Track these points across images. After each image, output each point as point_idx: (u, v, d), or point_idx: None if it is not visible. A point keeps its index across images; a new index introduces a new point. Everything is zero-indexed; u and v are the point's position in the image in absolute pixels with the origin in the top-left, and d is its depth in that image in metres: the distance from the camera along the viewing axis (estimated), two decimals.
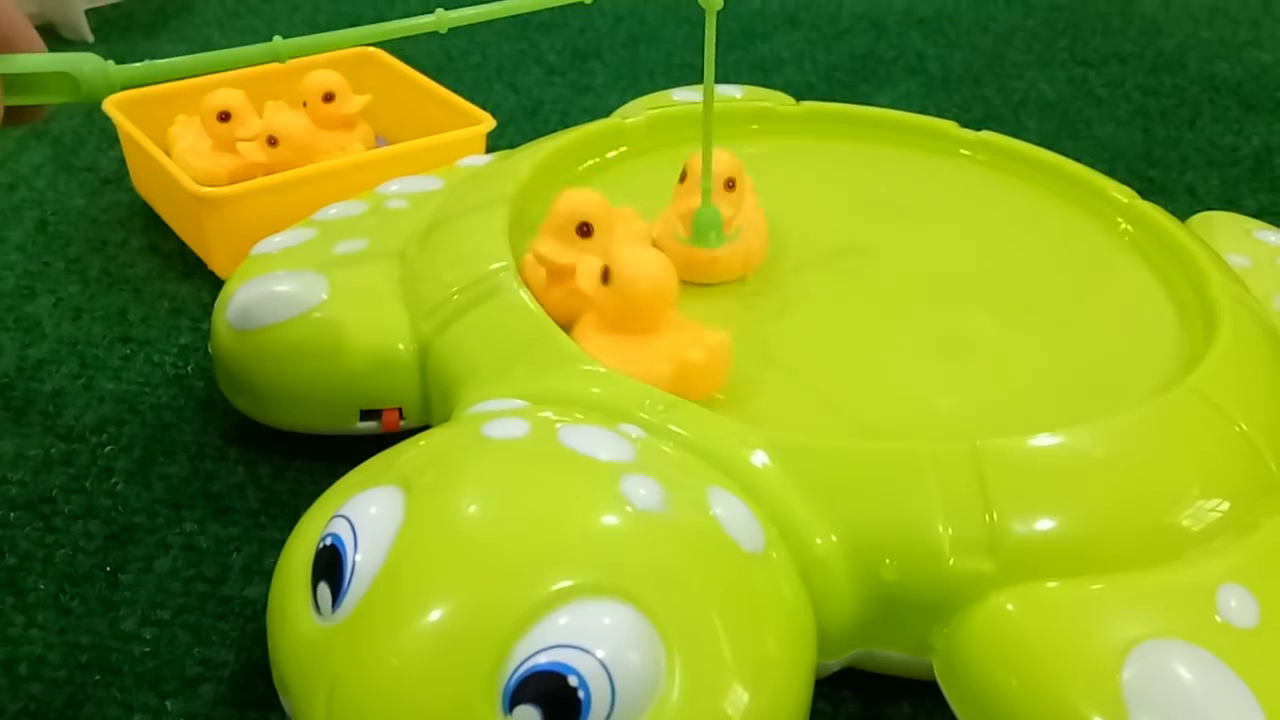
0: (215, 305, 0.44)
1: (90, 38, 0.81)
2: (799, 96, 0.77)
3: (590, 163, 0.53)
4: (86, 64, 0.32)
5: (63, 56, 0.31)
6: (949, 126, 0.56)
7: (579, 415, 0.34)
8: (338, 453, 0.44)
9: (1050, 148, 0.71)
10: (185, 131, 0.59)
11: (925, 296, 0.45)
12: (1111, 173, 0.68)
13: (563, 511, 0.29)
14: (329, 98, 0.60)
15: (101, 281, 0.54)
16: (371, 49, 0.66)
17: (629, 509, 0.29)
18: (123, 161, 0.64)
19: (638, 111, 0.62)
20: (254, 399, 0.42)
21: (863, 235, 0.49)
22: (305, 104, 0.60)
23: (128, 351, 0.49)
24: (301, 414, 0.42)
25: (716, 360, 0.37)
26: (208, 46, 0.81)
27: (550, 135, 0.54)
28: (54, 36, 0.81)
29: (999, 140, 0.55)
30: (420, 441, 0.34)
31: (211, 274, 0.54)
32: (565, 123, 0.73)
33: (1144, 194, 0.52)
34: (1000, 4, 0.93)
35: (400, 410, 0.42)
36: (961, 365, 0.42)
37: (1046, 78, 0.80)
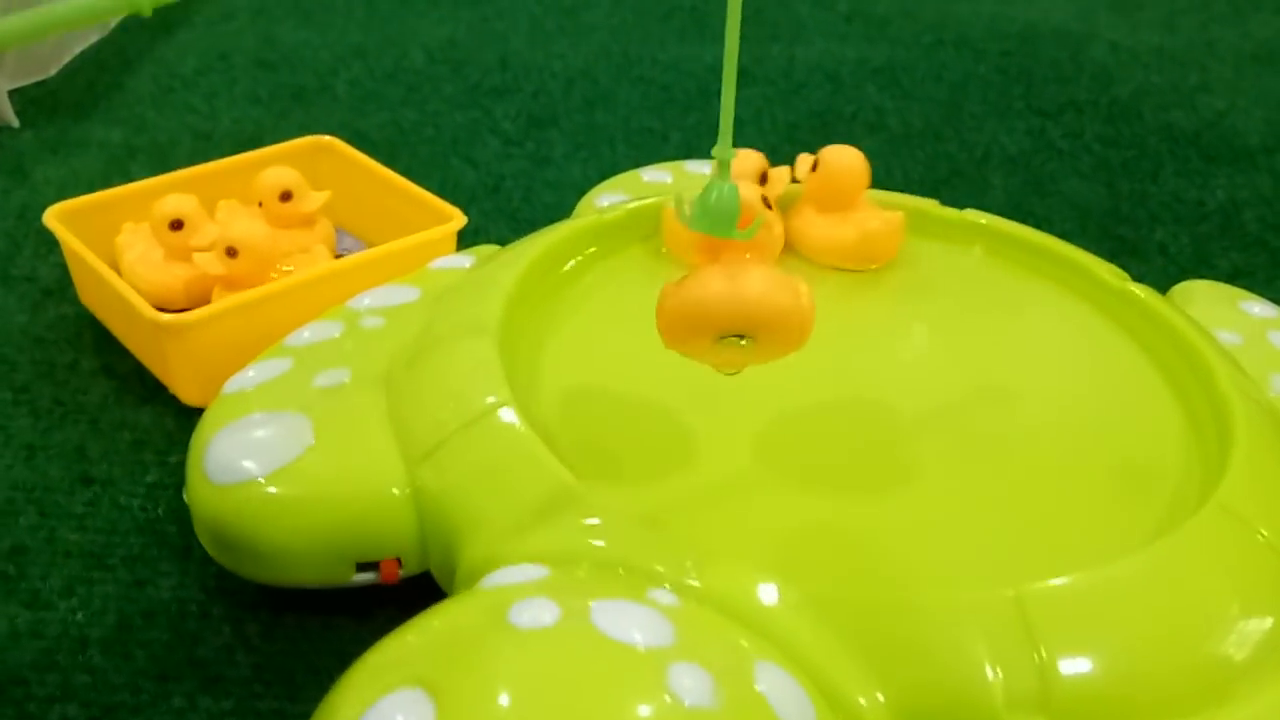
0: (190, 453, 0.41)
1: (15, 122, 0.77)
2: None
3: (571, 264, 0.51)
4: None
5: None
6: (930, 205, 0.55)
7: (606, 581, 0.32)
8: (331, 604, 0.41)
9: (1019, 206, 0.72)
10: (134, 240, 0.56)
11: (921, 412, 0.44)
12: (1082, 231, 0.68)
13: (610, 718, 0.27)
14: (286, 196, 0.57)
15: (54, 413, 0.50)
16: (326, 137, 0.63)
17: (679, 708, 0.27)
18: (64, 268, 0.60)
19: (609, 196, 0.61)
20: (239, 556, 0.40)
21: (848, 336, 0.48)
22: (261, 203, 0.58)
23: (90, 495, 0.46)
24: (293, 570, 0.39)
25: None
26: (143, 126, 0.77)
27: (527, 238, 0.52)
28: None
29: (982, 220, 0.54)
30: (436, 624, 0.31)
31: (173, 398, 0.51)
32: (529, 200, 0.71)
33: (1116, 254, 0.51)
34: (951, 51, 0.93)
35: (399, 560, 0.39)
36: (976, 490, 0.40)
37: (1006, 129, 0.80)
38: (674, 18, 1.00)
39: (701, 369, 0.37)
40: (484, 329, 0.43)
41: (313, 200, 0.58)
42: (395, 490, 0.39)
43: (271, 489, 0.38)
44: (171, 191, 0.57)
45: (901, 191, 0.60)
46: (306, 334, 0.46)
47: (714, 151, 0.35)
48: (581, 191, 0.72)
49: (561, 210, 0.70)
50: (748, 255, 0.36)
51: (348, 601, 0.41)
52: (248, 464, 0.39)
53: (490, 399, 0.39)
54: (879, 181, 0.76)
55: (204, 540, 0.41)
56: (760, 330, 0.35)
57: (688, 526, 0.37)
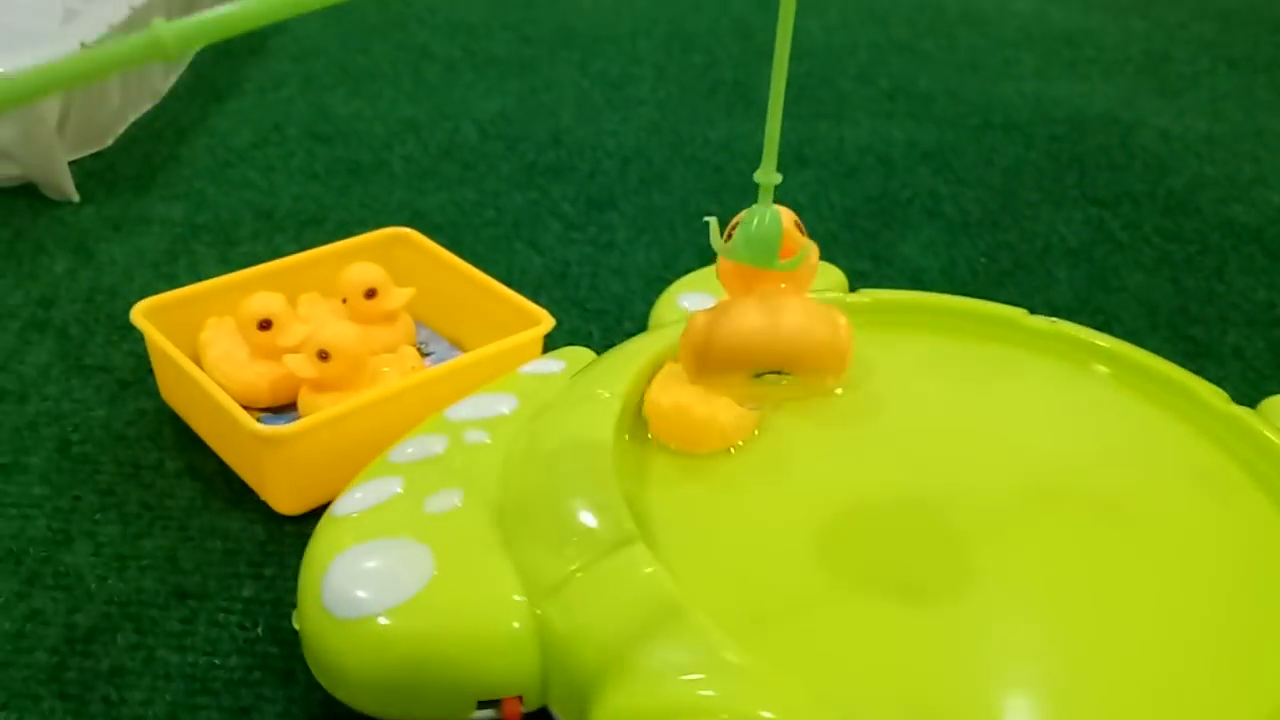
0: (304, 581, 0.40)
1: (75, 197, 0.77)
2: (823, 247, 0.76)
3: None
4: None
5: None
6: (1019, 315, 0.55)
7: None
8: None
9: (1086, 302, 0.72)
10: (218, 337, 0.55)
11: (1007, 528, 0.44)
12: (1153, 331, 0.68)
13: None
14: (371, 293, 0.57)
15: (142, 518, 0.49)
16: (403, 229, 0.63)
17: None
18: (139, 357, 0.60)
19: (691, 295, 0.60)
20: (356, 692, 0.39)
21: (929, 446, 0.48)
22: (345, 300, 0.57)
23: (186, 611, 0.45)
24: (414, 707, 0.38)
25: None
26: (202, 201, 0.77)
27: (624, 348, 0.51)
28: (36, 197, 0.76)
29: (1074, 333, 0.54)
30: None
31: (261, 503, 0.50)
32: (596, 289, 0.71)
33: (1192, 356, 0.51)
34: (999, 135, 0.94)
35: (520, 698, 0.39)
36: (1070, 625, 0.40)
37: (1063, 219, 0.81)
38: (718, 93, 1.01)
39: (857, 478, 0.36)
40: (596, 455, 0.43)
41: (397, 297, 0.57)
42: (516, 625, 0.38)
43: (395, 624, 0.38)
44: (253, 285, 0.57)
45: (968, 284, 0.59)
46: (410, 450, 0.46)
47: (757, 176, 0.34)
48: (647, 278, 0.72)
49: (629, 300, 0.69)
50: (782, 285, 0.35)
51: None
52: (368, 596, 0.38)
53: (616, 535, 0.39)
54: (944, 271, 0.76)
55: (317, 672, 0.40)
56: (798, 366, 0.34)
57: (839, 683, 0.36)
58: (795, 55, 1.26)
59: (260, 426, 0.46)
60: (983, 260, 0.75)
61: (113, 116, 0.85)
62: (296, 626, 0.41)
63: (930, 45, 1.15)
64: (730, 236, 0.35)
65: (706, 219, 0.35)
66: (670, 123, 0.94)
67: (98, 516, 0.49)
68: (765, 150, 0.34)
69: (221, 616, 0.45)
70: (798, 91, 1.02)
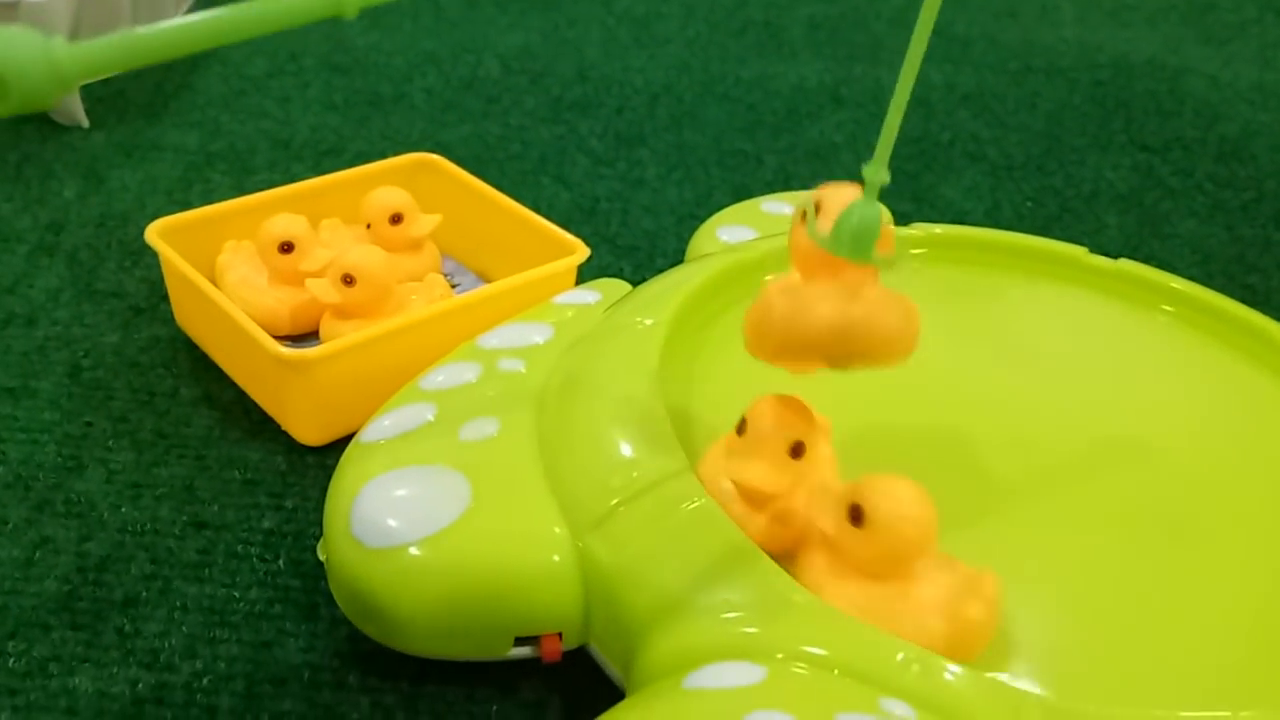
0: (330, 509, 0.38)
1: (85, 122, 0.74)
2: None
3: (719, 310, 0.48)
4: (17, 47, 0.20)
5: None
6: (1080, 254, 0.52)
7: (834, 688, 0.29)
8: (474, 674, 0.38)
9: (1137, 248, 0.69)
10: (235, 261, 0.52)
11: (1079, 472, 0.41)
12: (1208, 279, 0.65)
13: None
14: (397, 219, 0.54)
15: (156, 446, 0.47)
16: (430, 155, 0.60)
17: None
18: (153, 284, 0.57)
19: (730, 229, 0.58)
20: (387, 626, 0.36)
21: (1017, 392, 0.45)
22: (369, 225, 0.54)
23: (204, 541, 0.43)
24: (447, 643, 0.36)
25: (995, 612, 0.32)
26: (216, 129, 0.74)
27: (661, 276, 0.49)
28: (45, 122, 0.73)
29: (1140, 272, 0.51)
30: None
31: (282, 433, 0.48)
32: (627, 224, 0.68)
33: (1249, 305, 0.49)
34: (1042, 79, 0.90)
35: (560, 635, 0.36)
36: (1200, 571, 0.37)
37: (1110, 164, 0.77)
38: (748, 32, 0.97)
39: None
40: (641, 381, 0.40)
41: (424, 224, 0.55)
42: (556, 558, 0.36)
43: (429, 555, 0.35)
44: (272, 208, 0.54)
45: (1013, 228, 0.57)
46: (441, 377, 0.43)
47: (866, 172, 0.32)
48: (678, 215, 0.69)
49: (661, 236, 0.67)
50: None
51: (490, 670, 0.38)
52: (400, 525, 0.36)
53: (667, 465, 0.36)
54: (988, 214, 0.73)
55: (344, 605, 0.38)
56: (871, 355, 0.32)
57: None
58: None
59: (284, 350, 0.44)
60: (1028, 204, 0.72)
61: None
62: (322, 557, 0.39)
63: None
64: (812, 220, 0.33)
65: (799, 204, 0.33)
66: (700, 61, 0.91)
67: (110, 444, 0.47)
68: (879, 147, 0.32)
69: (241, 548, 0.43)
70: (830, 33, 0.98)
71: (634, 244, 0.66)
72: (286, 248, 0.50)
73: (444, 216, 0.56)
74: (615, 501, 0.36)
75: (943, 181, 0.75)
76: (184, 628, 0.39)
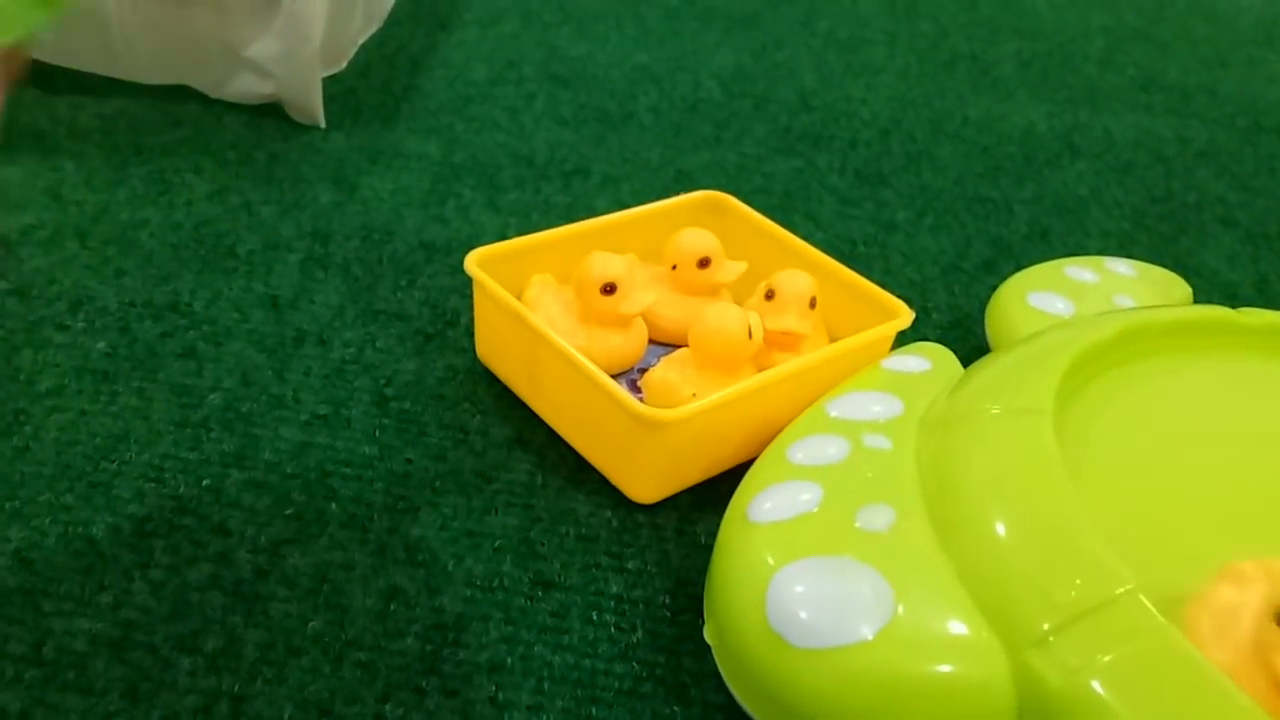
0: (729, 596, 0.35)
1: (322, 123, 0.72)
2: (1118, 244, 0.70)
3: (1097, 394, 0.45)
4: None
5: None
6: None
7: None
8: None
9: None
10: (545, 298, 0.50)
11: None
12: None
13: None
14: (704, 263, 0.52)
15: (483, 491, 0.45)
16: (720, 194, 0.58)
17: None
18: (434, 308, 0.55)
19: (1040, 294, 0.55)
20: None
21: None
22: (675, 266, 0.52)
23: (554, 604, 0.41)
24: None
25: None
26: (454, 139, 0.72)
27: (1011, 351, 0.46)
28: (283, 119, 0.72)
29: None
30: None
31: (601, 481, 0.46)
32: (890, 271, 0.65)
33: None
34: (1275, 140, 0.87)
35: None
36: None
37: None
38: (958, 66, 0.94)
39: None
40: (1057, 488, 0.38)
41: (730, 271, 0.52)
42: (989, 671, 0.34)
43: (863, 661, 0.33)
44: (577, 243, 0.52)
45: None
46: (804, 452, 0.41)
47: None
48: (941, 266, 0.66)
49: (929, 287, 0.64)
50: None
51: None
52: (826, 624, 0.34)
53: (1120, 588, 0.34)
54: (1257, 286, 0.70)
55: (744, 695, 0.36)
56: None
57: None
58: (1023, 31, 1.19)
59: (644, 409, 0.42)
60: None
61: (350, 38, 0.81)
62: (710, 641, 0.37)
63: (1166, 35, 1.08)
64: None
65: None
66: (919, 95, 0.88)
67: (436, 484, 0.45)
68: None
69: (594, 615, 0.41)
70: (1040, 72, 0.95)
71: (903, 293, 0.63)
72: (609, 289, 0.48)
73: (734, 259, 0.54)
74: (1063, 618, 0.33)
75: (1200, 247, 0.71)
76: (558, 701, 0.37)
